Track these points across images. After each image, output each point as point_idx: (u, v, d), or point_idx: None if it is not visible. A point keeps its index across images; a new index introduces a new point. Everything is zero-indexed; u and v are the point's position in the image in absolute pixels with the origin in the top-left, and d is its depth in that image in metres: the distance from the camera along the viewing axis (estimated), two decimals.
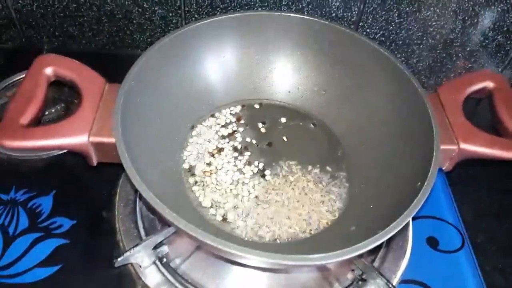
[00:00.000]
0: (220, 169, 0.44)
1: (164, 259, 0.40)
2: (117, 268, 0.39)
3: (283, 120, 0.49)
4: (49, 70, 0.40)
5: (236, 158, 0.45)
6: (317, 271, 0.41)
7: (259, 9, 0.57)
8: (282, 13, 0.46)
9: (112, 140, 0.35)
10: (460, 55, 0.61)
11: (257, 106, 0.50)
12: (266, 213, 0.41)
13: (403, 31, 0.59)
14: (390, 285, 0.37)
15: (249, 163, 0.45)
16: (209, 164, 0.44)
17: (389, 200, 0.38)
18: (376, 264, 0.42)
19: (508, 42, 0.59)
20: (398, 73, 0.41)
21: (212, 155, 0.45)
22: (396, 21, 0.57)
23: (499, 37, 0.58)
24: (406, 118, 0.41)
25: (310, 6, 0.57)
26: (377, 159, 0.43)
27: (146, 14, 0.60)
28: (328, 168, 0.45)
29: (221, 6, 0.58)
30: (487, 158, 0.39)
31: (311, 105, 0.49)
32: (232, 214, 0.41)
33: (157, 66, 0.42)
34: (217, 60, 0.48)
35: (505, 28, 0.57)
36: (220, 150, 0.46)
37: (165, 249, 0.40)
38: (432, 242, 0.45)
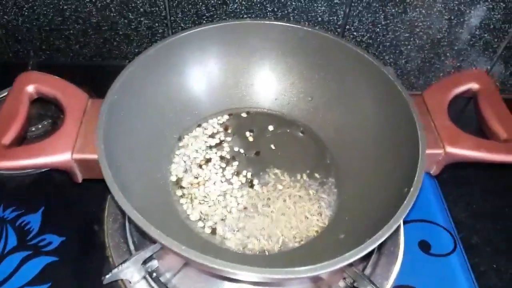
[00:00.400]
0: (208, 181, 0.44)
1: (154, 274, 0.40)
2: (106, 285, 0.39)
3: (271, 128, 0.49)
4: (31, 88, 0.40)
5: (224, 168, 0.45)
6: (309, 281, 0.41)
7: (245, 16, 0.57)
8: (266, 22, 0.46)
9: (95, 156, 0.35)
10: (448, 54, 0.60)
11: (244, 115, 0.50)
12: (255, 224, 0.41)
13: (390, 33, 0.58)
14: None
15: (237, 173, 0.45)
16: (196, 175, 0.44)
17: (377, 206, 0.38)
18: (368, 270, 0.42)
19: (495, 40, 0.58)
20: (382, 78, 0.41)
21: (200, 166, 0.45)
22: (383, 23, 0.57)
23: (486, 35, 0.58)
24: (392, 124, 0.41)
25: (295, 12, 0.57)
26: (364, 165, 0.42)
27: (132, 25, 0.59)
28: (316, 175, 0.45)
29: (206, 14, 0.58)
30: (474, 161, 0.39)
31: (298, 112, 0.49)
32: (221, 226, 0.40)
33: (141, 78, 0.42)
34: (202, 70, 0.47)
35: (492, 26, 0.57)
36: (207, 160, 0.45)
37: (154, 263, 0.40)
38: (424, 246, 0.45)
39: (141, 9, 0.58)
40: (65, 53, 0.63)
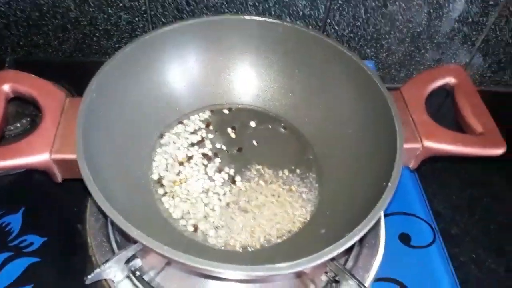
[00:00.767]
0: (190, 178, 0.43)
1: (138, 273, 0.40)
2: (89, 285, 0.39)
3: (253, 124, 0.49)
4: (6, 87, 0.39)
5: (206, 165, 0.45)
6: (292, 275, 0.41)
7: (226, 10, 0.57)
8: (245, 17, 0.46)
9: (74, 156, 0.35)
10: (428, 47, 0.61)
11: (226, 111, 0.50)
12: (238, 221, 0.41)
13: (370, 27, 0.59)
14: (362, 286, 0.37)
15: (219, 170, 0.45)
16: (178, 173, 0.44)
17: (357, 200, 0.38)
18: (350, 263, 0.42)
19: (474, 33, 0.59)
20: (361, 73, 0.41)
21: (182, 163, 0.45)
22: (363, 17, 0.58)
23: (464, 28, 0.59)
24: (371, 119, 0.41)
25: (277, 6, 0.57)
26: (345, 160, 0.43)
27: (111, 20, 0.59)
28: (298, 170, 0.45)
29: (187, 9, 0.57)
30: (452, 155, 0.39)
31: (280, 108, 0.49)
32: (203, 224, 0.40)
33: (119, 76, 0.41)
34: (182, 66, 0.47)
35: (470, 20, 0.58)
36: (189, 158, 0.45)
37: (137, 262, 0.40)
38: (405, 238, 0.46)
39: (121, 4, 0.57)
40: (44, 49, 0.62)
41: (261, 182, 0.44)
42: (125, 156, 0.41)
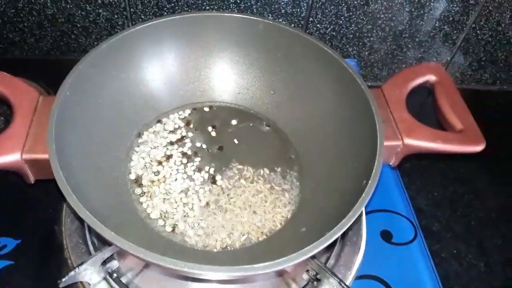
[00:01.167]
0: (168, 178, 0.43)
1: (115, 274, 0.39)
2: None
3: (234, 122, 0.48)
4: None
5: (185, 164, 0.44)
6: (274, 274, 0.41)
7: (207, 8, 0.56)
8: (225, 14, 0.45)
9: (47, 156, 0.34)
10: (410, 46, 0.61)
11: (206, 109, 0.49)
12: (217, 220, 0.40)
13: (353, 25, 0.59)
14: (343, 284, 0.37)
15: (199, 169, 0.44)
16: (157, 172, 0.43)
17: (338, 199, 0.38)
18: (331, 261, 0.42)
19: (455, 31, 0.60)
20: (342, 71, 0.41)
21: (160, 163, 0.44)
22: (345, 15, 0.57)
23: (445, 27, 0.59)
24: (352, 117, 0.41)
25: (258, 4, 0.56)
26: (326, 158, 0.43)
27: (90, 17, 0.57)
28: (279, 169, 0.45)
29: (167, 6, 0.56)
30: (431, 152, 0.40)
31: (261, 106, 0.49)
32: (182, 224, 0.40)
33: (95, 73, 0.40)
34: (161, 64, 0.46)
35: (451, 18, 0.58)
36: (168, 157, 0.44)
37: (115, 264, 0.39)
38: (386, 236, 0.46)
39: (99, 1, 0.56)
40: (20, 47, 0.61)
41: (242, 181, 0.44)
42: (101, 156, 0.40)
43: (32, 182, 0.37)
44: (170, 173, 0.43)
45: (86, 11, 0.57)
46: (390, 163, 0.41)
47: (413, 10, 0.57)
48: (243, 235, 0.40)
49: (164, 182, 0.42)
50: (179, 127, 0.47)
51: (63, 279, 0.36)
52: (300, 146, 0.46)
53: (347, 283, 0.40)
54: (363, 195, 0.33)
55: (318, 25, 0.59)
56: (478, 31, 0.60)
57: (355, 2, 0.56)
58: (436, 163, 0.55)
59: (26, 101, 0.38)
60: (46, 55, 0.61)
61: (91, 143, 0.39)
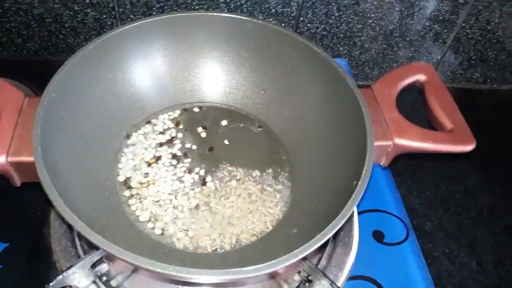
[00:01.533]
0: (158, 180, 0.42)
1: (104, 278, 0.39)
2: None
3: (224, 122, 0.48)
4: None
5: (175, 166, 0.44)
6: (265, 276, 0.41)
7: (197, 7, 0.56)
8: (214, 13, 0.45)
9: (32, 159, 0.33)
10: (400, 45, 0.61)
11: (196, 110, 0.49)
12: (208, 222, 0.40)
13: (343, 24, 0.59)
14: (334, 286, 0.37)
15: (189, 170, 0.44)
16: (146, 174, 0.42)
17: (329, 200, 0.38)
18: (323, 262, 0.42)
19: (445, 30, 0.60)
20: (331, 71, 0.41)
21: (149, 164, 0.43)
22: (336, 14, 0.57)
23: (435, 26, 0.59)
24: (342, 117, 0.41)
25: (249, 3, 0.56)
26: (317, 158, 0.42)
27: (78, 17, 0.57)
28: (270, 170, 0.45)
29: (156, 5, 0.56)
30: (422, 152, 0.39)
31: (252, 106, 0.48)
32: (172, 226, 0.39)
33: (82, 74, 0.40)
34: (149, 64, 0.46)
35: (441, 18, 0.58)
36: (157, 158, 0.44)
37: (104, 267, 0.39)
38: (378, 236, 0.46)
39: (87, 0, 0.55)
40: (7, 47, 0.60)
41: (232, 182, 0.43)
42: (89, 158, 0.39)
43: (18, 185, 0.37)
44: (160, 175, 0.42)
45: (74, 11, 0.56)
46: (381, 163, 0.41)
47: (403, 9, 0.57)
48: (233, 237, 0.39)
49: (153, 184, 0.42)
50: (169, 128, 0.46)
51: (51, 283, 0.35)
52: (291, 146, 0.46)
53: (339, 284, 0.40)
54: (353, 196, 0.33)
55: (309, 25, 0.58)
56: (468, 30, 0.60)
57: (345, 2, 0.56)
58: (428, 162, 0.55)
59: (11, 102, 0.37)
60: (34, 56, 0.61)
61: (78, 145, 0.39)
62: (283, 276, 0.41)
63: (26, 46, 0.60)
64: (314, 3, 0.56)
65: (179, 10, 0.56)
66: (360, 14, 0.57)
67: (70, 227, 0.41)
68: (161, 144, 0.45)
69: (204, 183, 0.43)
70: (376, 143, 0.37)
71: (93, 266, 0.37)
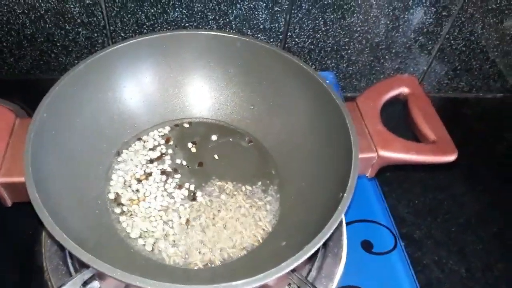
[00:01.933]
0: (148, 196, 0.43)
1: None
2: None
3: (214, 137, 0.49)
4: None
5: (165, 182, 0.44)
6: None
7: (186, 24, 0.57)
8: (203, 32, 0.46)
9: (23, 179, 0.34)
10: (387, 57, 0.63)
11: (186, 125, 0.49)
12: (198, 237, 0.40)
13: (330, 38, 0.60)
14: None
15: (179, 186, 0.44)
16: (136, 191, 0.43)
17: (317, 212, 0.39)
18: (313, 273, 0.43)
19: (430, 42, 0.61)
20: (317, 86, 0.42)
21: (140, 181, 0.44)
22: (323, 29, 0.59)
23: (420, 38, 0.61)
24: (328, 130, 0.42)
25: (237, 20, 0.57)
26: (305, 172, 0.43)
27: (69, 35, 0.58)
28: (259, 183, 0.45)
29: (147, 23, 0.57)
30: (406, 163, 0.40)
31: (241, 121, 0.49)
32: (162, 242, 0.40)
33: (72, 94, 0.41)
34: (139, 82, 0.47)
35: (425, 30, 0.60)
36: (148, 175, 0.45)
37: (95, 284, 0.39)
38: (367, 246, 0.46)
39: (78, 20, 0.56)
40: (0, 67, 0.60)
41: (222, 196, 0.44)
42: (80, 177, 0.40)
43: (9, 205, 0.37)
44: (150, 191, 0.43)
45: (66, 30, 0.57)
46: (367, 174, 0.42)
47: (388, 22, 0.58)
48: (224, 252, 0.40)
49: (143, 200, 0.42)
50: (159, 144, 0.47)
51: None
52: (280, 160, 0.47)
53: None
54: (339, 208, 0.34)
55: (296, 39, 0.60)
56: (452, 41, 0.61)
57: (332, 16, 0.57)
58: (415, 172, 0.56)
59: (2, 123, 0.38)
60: (26, 75, 0.61)
61: (69, 164, 0.39)
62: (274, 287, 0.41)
63: (18, 65, 0.60)
64: (301, 18, 0.57)
65: (169, 27, 0.57)
66: (347, 28, 0.59)
67: (61, 246, 0.42)
68: (151, 161, 0.46)
69: (194, 198, 0.43)
70: (361, 155, 0.38)
71: (85, 284, 0.38)
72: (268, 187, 0.45)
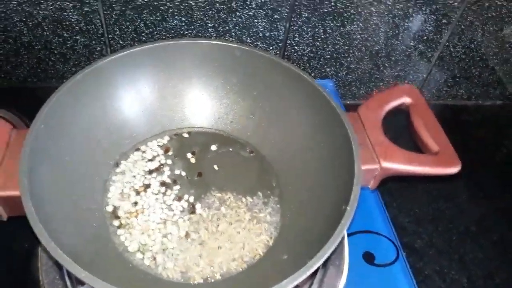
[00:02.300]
0: (147, 208, 0.42)
1: None
2: None
3: (213, 147, 0.48)
4: None
5: (164, 193, 0.44)
6: None
7: (186, 32, 0.56)
8: (202, 41, 0.45)
9: (18, 193, 0.33)
10: (386, 65, 0.62)
11: (186, 135, 0.49)
12: (197, 251, 0.40)
13: (330, 46, 0.60)
14: None
15: (178, 198, 0.43)
16: (135, 203, 0.42)
17: (319, 225, 0.38)
18: (315, 286, 0.42)
19: (429, 50, 0.61)
20: (318, 95, 0.41)
21: (138, 193, 0.43)
22: (322, 37, 0.58)
23: (420, 45, 0.60)
24: (329, 141, 0.41)
25: (237, 28, 0.57)
26: (306, 184, 0.43)
27: (67, 43, 0.57)
28: (260, 194, 0.45)
29: (146, 31, 0.56)
30: (409, 175, 0.40)
31: (241, 130, 0.49)
32: (161, 256, 0.39)
33: (70, 105, 0.40)
34: (138, 92, 0.46)
35: (425, 37, 0.59)
36: (147, 186, 0.44)
37: None
38: (369, 258, 0.46)
39: (76, 27, 0.55)
40: None
41: (222, 208, 0.43)
42: (77, 189, 0.39)
43: (5, 219, 0.36)
44: (149, 203, 0.42)
45: (64, 38, 0.56)
46: (369, 186, 0.41)
47: (388, 30, 0.58)
48: (224, 266, 0.39)
49: (142, 213, 0.42)
50: (158, 155, 0.46)
51: None
52: (280, 171, 0.46)
53: None
54: (342, 221, 0.33)
55: (296, 47, 0.59)
56: (452, 49, 0.61)
57: (331, 24, 0.57)
58: (415, 181, 0.56)
59: None
60: (23, 82, 0.61)
61: (67, 176, 0.39)
62: None
63: (15, 73, 0.60)
64: (301, 26, 0.57)
65: (168, 35, 0.57)
66: (346, 36, 0.58)
67: (57, 262, 0.41)
68: (150, 172, 0.45)
69: (193, 210, 0.43)
70: (364, 167, 0.38)
71: None
72: (268, 198, 0.44)
